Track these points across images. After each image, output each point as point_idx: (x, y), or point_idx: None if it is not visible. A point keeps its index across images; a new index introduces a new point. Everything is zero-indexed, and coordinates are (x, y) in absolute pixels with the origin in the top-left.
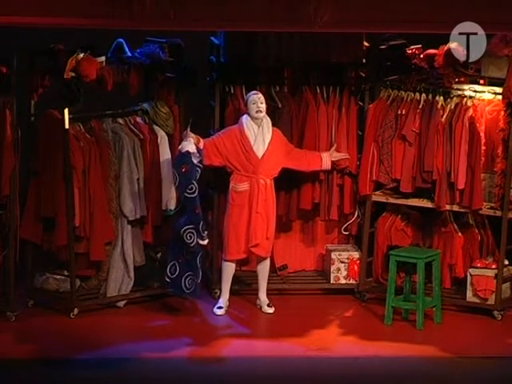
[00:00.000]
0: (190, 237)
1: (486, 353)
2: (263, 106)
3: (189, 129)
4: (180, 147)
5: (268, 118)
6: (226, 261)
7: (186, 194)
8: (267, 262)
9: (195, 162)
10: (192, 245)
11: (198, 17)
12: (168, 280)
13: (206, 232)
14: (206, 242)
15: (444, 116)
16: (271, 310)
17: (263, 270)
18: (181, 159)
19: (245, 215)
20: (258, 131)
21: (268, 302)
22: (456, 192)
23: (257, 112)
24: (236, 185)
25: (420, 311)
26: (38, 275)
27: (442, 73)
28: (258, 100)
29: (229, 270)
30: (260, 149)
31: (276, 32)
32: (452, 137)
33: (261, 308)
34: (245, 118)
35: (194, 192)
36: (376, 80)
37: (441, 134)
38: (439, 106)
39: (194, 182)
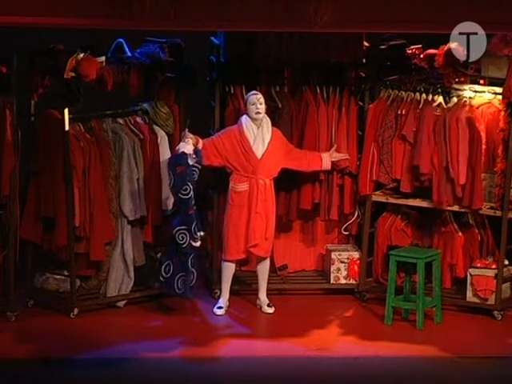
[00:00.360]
0: (182, 237)
1: (486, 353)
2: (262, 107)
3: (187, 129)
4: (177, 148)
5: (268, 118)
6: (225, 261)
7: (180, 195)
8: (267, 262)
9: (191, 163)
10: (184, 245)
11: (198, 17)
12: (162, 279)
13: (199, 233)
14: (198, 243)
15: (441, 113)
16: (271, 310)
17: (263, 270)
18: (176, 160)
19: (244, 215)
20: (258, 131)
21: (268, 301)
22: (457, 188)
23: (256, 113)
24: (235, 185)
25: (420, 311)
26: (38, 275)
27: (442, 73)
28: (257, 101)
29: (229, 270)
30: (259, 149)
31: (276, 32)
32: (446, 133)
33: (261, 308)
34: (244, 119)
35: (189, 193)
36: (376, 80)
37: (436, 130)
38: (435, 104)
39: (189, 183)
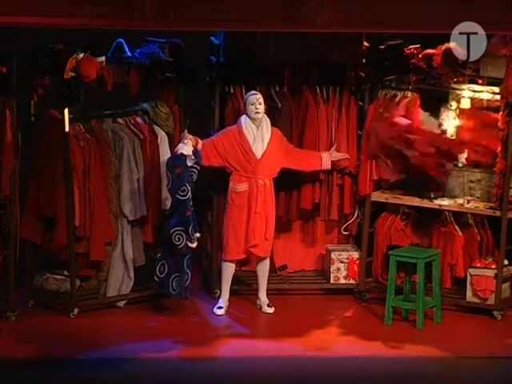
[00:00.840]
0: (179, 238)
1: (486, 353)
2: (261, 107)
3: (186, 130)
4: (176, 149)
5: (267, 118)
6: (225, 261)
7: (178, 196)
8: (267, 262)
9: (190, 164)
10: (180, 246)
11: (198, 17)
12: (156, 279)
13: (196, 234)
14: (194, 244)
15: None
16: (271, 310)
17: (263, 270)
18: (174, 161)
19: (244, 215)
20: (257, 131)
21: (268, 301)
22: None
23: (255, 113)
24: (235, 185)
25: (420, 311)
26: (38, 275)
27: (441, 72)
28: (256, 101)
29: (229, 270)
30: (259, 149)
31: (276, 32)
32: None
33: (261, 308)
34: (244, 119)
35: (186, 194)
36: (376, 80)
37: None
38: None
39: (187, 185)
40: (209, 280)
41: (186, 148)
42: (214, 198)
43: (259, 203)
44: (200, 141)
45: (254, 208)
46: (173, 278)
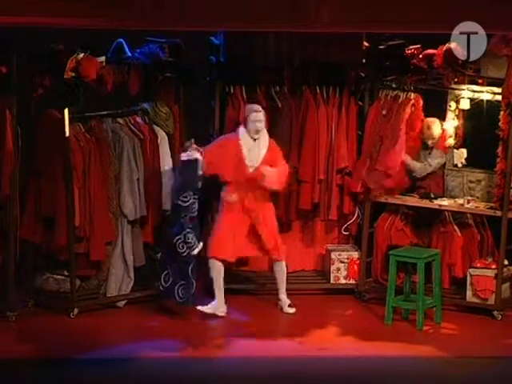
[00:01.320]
0: (183, 246)
1: (486, 353)
2: (261, 125)
3: (193, 140)
4: (186, 154)
5: (265, 131)
6: (211, 258)
7: (180, 202)
8: (282, 265)
9: (198, 171)
10: (184, 254)
11: (198, 17)
12: (161, 288)
13: (199, 242)
14: (196, 251)
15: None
16: (292, 311)
17: (279, 272)
18: (187, 166)
19: (237, 224)
20: (254, 144)
21: (289, 302)
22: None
23: (255, 132)
24: (227, 195)
25: (420, 311)
26: (38, 275)
27: (441, 73)
28: (257, 119)
29: (216, 268)
30: (253, 163)
31: (276, 32)
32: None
33: (281, 309)
34: (241, 130)
35: (188, 201)
36: (376, 80)
37: None
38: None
39: (190, 192)
40: (209, 281)
41: (197, 154)
42: (213, 200)
43: (251, 213)
44: (201, 150)
45: (248, 218)
46: (178, 286)
